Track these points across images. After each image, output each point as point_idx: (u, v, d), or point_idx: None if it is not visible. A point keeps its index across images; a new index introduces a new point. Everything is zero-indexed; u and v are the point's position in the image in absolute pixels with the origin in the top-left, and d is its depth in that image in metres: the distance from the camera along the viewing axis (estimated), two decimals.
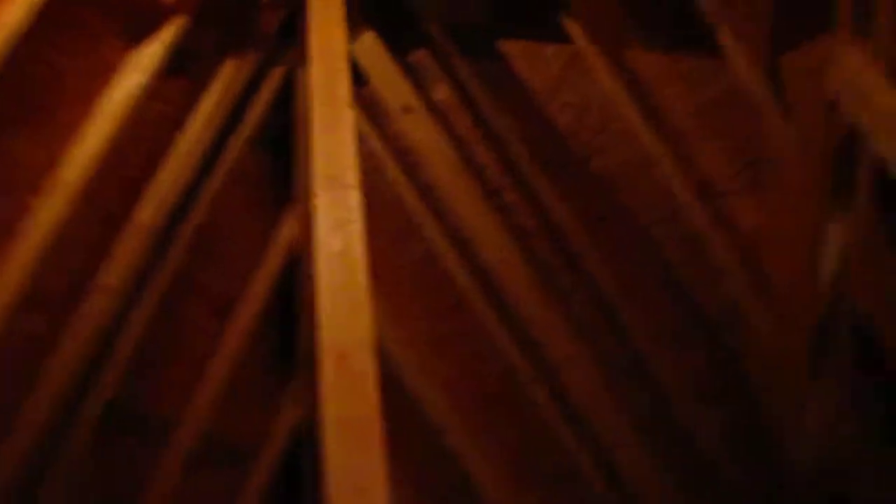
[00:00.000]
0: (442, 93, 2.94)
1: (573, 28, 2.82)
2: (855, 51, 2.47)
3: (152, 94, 2.47)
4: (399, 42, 2.84)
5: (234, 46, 2.69)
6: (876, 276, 2.56)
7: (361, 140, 2.27)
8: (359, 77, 2.53)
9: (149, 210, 2.51)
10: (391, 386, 2.06)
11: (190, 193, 2.62)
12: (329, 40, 2.22)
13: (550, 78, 2.94)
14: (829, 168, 2.60)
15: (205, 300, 2.82)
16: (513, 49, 2.93)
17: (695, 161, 2.87)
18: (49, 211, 2.30)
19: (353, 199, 1.80)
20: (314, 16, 2.28)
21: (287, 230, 2.91)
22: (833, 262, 2.62)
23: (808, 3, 2.62)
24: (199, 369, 2.74)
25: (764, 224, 2.81)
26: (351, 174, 1.85)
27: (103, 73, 2.42)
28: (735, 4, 2.64)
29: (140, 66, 2.38)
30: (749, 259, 2.81)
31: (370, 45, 2.73)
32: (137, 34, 2.42)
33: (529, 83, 2.94)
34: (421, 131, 2.78)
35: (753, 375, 2.89)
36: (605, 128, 2.93)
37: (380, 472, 1.36)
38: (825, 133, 2.59)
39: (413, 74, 2.88)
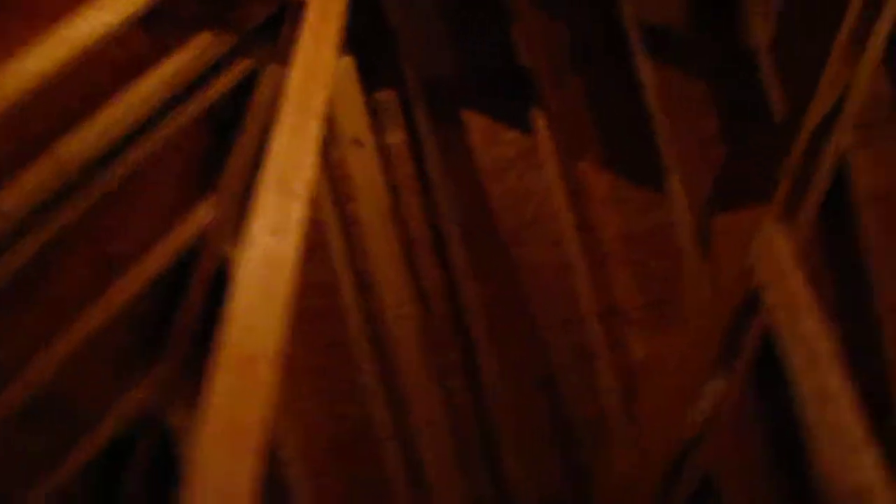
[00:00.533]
0: (396, 137, 2.96)
1: (538, 120, 2.89)
2: (780, 230, 2.64)
3: (117, 39, 2.40)
4: (373, 75, 2.86)
5: (212, 22, 2.65)
6: (732, 441, 2.70)
7: None
8: None
9: (70, 148, 2.43)
10: None
11: (118, 148, 2.54)
12: (318, 51, 2.22)
13: (501, 160, 2.99)
14: (727, 327, 2.72)
15: (96, 258, 2.73)
16: (475, 120, 2.97)
17: (609, 282, 2.95)
18: None
19: (298, 210, 1.79)
20: (309, 23, 2.27)
21: (202, 215, 2.86)
22: (701, 414, 2.73)
23: (754, 175, 2.76)
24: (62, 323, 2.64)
25: (653, 360, 2.88)
26: (303, 186, 1.85)
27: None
28: (690, 158, 2.75)
29: (115, 7, 2.32)
30: (630, 387, 2.88)
31: (344, 70, 2.74)
32: None
33: (480, 158, 2.97)
34: (363, 167, 2.79)
35: (599, 496, 2.94)
36: (536, 223, 2.98)
37: (251, 483, 1.34)
38: (733, 294, 2.71)
39: (375, 111, 2.90)
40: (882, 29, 2.77)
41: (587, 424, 2.99)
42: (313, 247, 2.87)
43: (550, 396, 3.01)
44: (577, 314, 2.96)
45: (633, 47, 2.87)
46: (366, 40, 2.67)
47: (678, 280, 2.97)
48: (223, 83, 2.70)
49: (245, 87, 2.79)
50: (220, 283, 2.99)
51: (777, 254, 2.66)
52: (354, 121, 2.79)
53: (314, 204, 2.73)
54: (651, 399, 2.88)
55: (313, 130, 2.01)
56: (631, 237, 2.98)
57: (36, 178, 2.37)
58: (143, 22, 2.44)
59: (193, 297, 2.98)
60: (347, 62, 2.74)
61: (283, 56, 2.82)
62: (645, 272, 2.99)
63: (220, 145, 2.93)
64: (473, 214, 2.96)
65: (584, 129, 2.98)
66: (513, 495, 2.96)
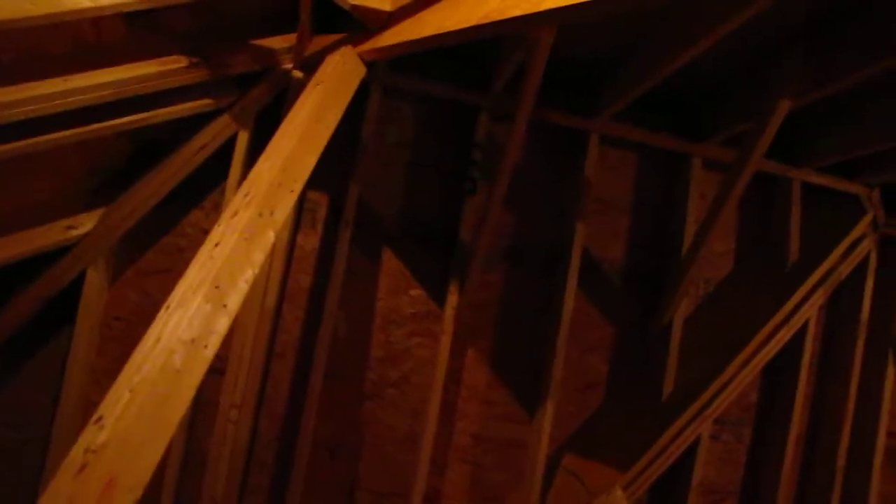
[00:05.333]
0: (308, 241, 2.84)
1: (452, 294, 2.86)
2: (622, 499, 2.67)
3: (96, 18, 2.22)
4: (316, 174, 2.76)
5: (193, 49, 2.52)
6: None
7: None
8: None
9: None
10: None
11: (35, 124, 2.31)
12: (300, 149, 2.07)
13: (398, 313, 2.92)
14: None
15: None
16: (391, 263, 2.90)
17: (445, 472, 2.90)
18: None
19: (224, 325, 1.57)
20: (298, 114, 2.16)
21: (79, 224, 2.63)
22: None
23: (618, 436, 2.81)
24: None
25: None
26: (236, 300, 1.63)
27: None
28: (569, 396, 2.76)
29: None
30: None
31: None
32: None
33: (380, 301, 2.89)
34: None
35: None
36: (402, 387, 2.89)
37: None
38: None
39: (300, 206, 2.81)
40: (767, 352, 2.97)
41: None
42: None
43: None
44: (404, 490, 2.83)
45: (570, 268, 2.93)
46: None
47: (513, 497, 2.93)
48: (172, 112, 2.54)
49: (189, 125, 2.66)
50: (61, 302, 2.73)
51: None
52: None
53: None
54: None
55: (266, 241, 1.76)
56: (478, 439, 2.93)
57: None
58: (129, 15, 2.29)
59: (27, 300, 2.68)
60: None
61: (243, 114, 2.72)
62: (480, 477, 2.93)
63: (133, 167, 2.73)
64: (346, 353, 2.84)
65: (488, 321, 2.96)
66: None
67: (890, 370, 3.24)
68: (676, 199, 3.11)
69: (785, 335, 3.08)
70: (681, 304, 3.01)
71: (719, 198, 2.74)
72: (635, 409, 2.97)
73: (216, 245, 1.68)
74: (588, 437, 2.98)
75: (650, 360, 3.04)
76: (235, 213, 1.77)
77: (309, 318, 2.81)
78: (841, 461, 3.17)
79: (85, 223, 2.69)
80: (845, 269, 3.18)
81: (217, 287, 1.59)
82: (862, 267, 3.22)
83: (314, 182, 2.79)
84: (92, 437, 1.28)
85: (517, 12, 1.85)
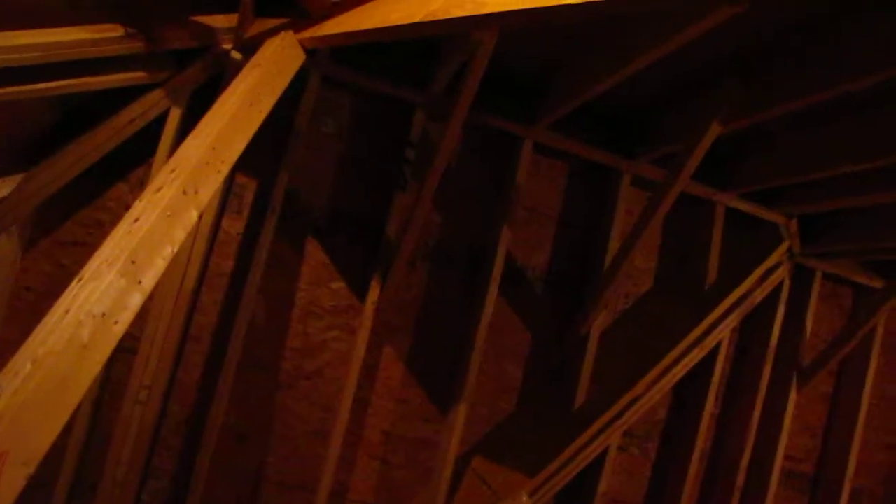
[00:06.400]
0: (233, 226, 2.80)
1: (374, 290, 2.86)
2: None
3: None
4: (245, 156, 2.73)
5: (132, 20, 2.45)
6: None
7: None
8: None
9: None
10: None
11: None
12: (231, 127, 2.03)
13: (307, 304, 2.90)
14: None
15: None
16: (315, 254, 2.88)
17: (352, 468, 2.90)
18: None
19: (136, 302, 1.52)
20: (236, 91, 2.12)
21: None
22: None
23: (527, 443, 2.84)
24: None
25: None
26: (151, 278, 1.58)
27: None
28: (484, 398, 2.78)
29: None
30: None
31: None
32: None
33: (300, 292, 2.87)
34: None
35: None
36: (316, 380, 2.89)
37: None
38: None
39: (228, 189, 2.77)
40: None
41: None
42: None
43: None
44: (311, 483, 2.81)
45: (493, 273, 2.95)
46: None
47: (419, 496, 2.94)
48: (103, 81, 2.47)
49: (120, 96, 2.59)
50: None
51: None
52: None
53: None
54: None
55: (188, 220, 1.72)
56: (389, 436, 2.94)
57: None
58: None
59: None
60: None
61: (177, 91, 2.67)
62: (388, 475, 2.93)
63: (58, 134, 2.66)
64: (262, 341, 2.81)
65: (408, 320, 2.96)
66: None
67: (792, 395, 3.35)
68: (604, 212, 3.16)
69: (698, 354, 3.15)
70: (599, 316, 3.05)
71: (645, 215, 2.79)
72: (547, 416, 3.00)
73: (136, 220, 1.64)
74: (498, 441, 3.01)
75: (565, 369, 3.09)
76: (159, 189, 1.73)
77: (227, 303, 2.77)
78: (740, 479, 3.27)
79: (3, 187, 2.60)
80: (759, 295, 3.28)
81: (133, 262, 1.55)
82: (775, 293, 3.33)
83: (243, 166, 2.76)
84: None
85: (461, 13, 1.85)
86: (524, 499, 2.73)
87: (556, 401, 3.04)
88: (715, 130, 2.55)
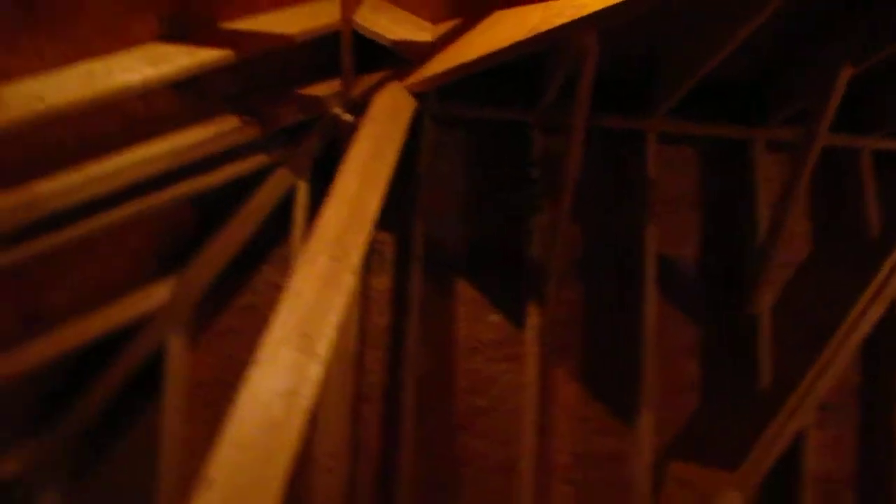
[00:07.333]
0: (381, 282, 2.84)
1: (531, 315, 2.83)
2: (737, 499, 2.58)
3: (144, 92, 2.23)
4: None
5: (243, 108, 2.52)
6: None
7: None
8: None
9: (50, 188, 2.20)
10: None
11: (98, 203, 2.33)
12: (362, 189, 2.06)
13: (478, 339, 2.89)
14: None
15: (27, 305, 2.45)
16: (466, 292, 2.88)
17: (550, 495, 2.86)
18: None
19: (316, 373, 1.55)
20: (358, 151, 2.15)
21: (154, 294, 2.65)
22: None
23: (722, 434, 2.74)
24: None
25: None
26: (326, 345, 1.61)
27: (120, 36, 2.18)
28: (666, 399, 2.72)
29: (157, 63, 2.17)
30: None
31: None
32: (177, 34, 2.23)
33: (458, 331, 2.86)
34: None
35: None
36: (491, 415, 2.86)
37: None
38: None
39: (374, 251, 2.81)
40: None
41: None
42: None
43: None
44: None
45: (646, 274, 2.87)
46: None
47: None
48: (229, 172, 2.56)
49: (248, 183, 2.67)
50: (149, 371, 2.76)
51: None
52: None
53: None
54: None
55: (346, 284, 1.74)
56: (577, 457, 2.87)
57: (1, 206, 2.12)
58: (176, 85, 2.30)
59: (112, 378, 2.71)
60: None
61: (299, 165, 2.73)
62: (585, 497, 2.86)
63: (198, 231, 2.76)
64: (432, 387, 2.81)
65: (570, 337, 2.91)
66: None
67: None
68: (743, 186, 3.03)
69: (878, 310, 2.96)
70: (765, 291, 2.92)
71: (790, 179, 2.66)
72: (734, 404, 2.88)
73: (297, 295, 1.68)
74: (690, 440, 2.90)
75: (742, 353, 2.95)
76: (311, 262, 1.77)
77: (391, 357, 2.80)
78: None
79: (159, 293, 2.71)
80: None
81: (305, 335, 1.59)
82: None
83: (378, 221, 2.78)
84: (205, 501, 1.28)
85: (563, 20, 1.83)
86: (733, 494, 2.61)
87: (739, 387, 2.91)
88: (847, 73, 2.42)
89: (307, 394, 1.49)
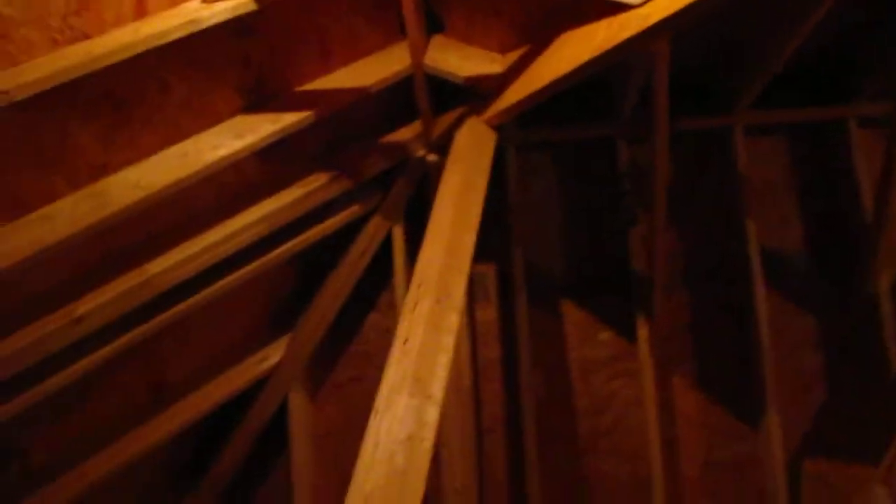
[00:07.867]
0: (487, 314, 2.86)
1: (641, 328, 2.79)
2: (884, 495, 2.48)
3: (234, 163, 2.32)
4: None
5: (329, 164, 2.59)
6: None
7: None
8: None
9: (162, 267, 2.31)
10: None
11: (207, 275, 2.42)
12: (456, 228, 2.10)
13: (591, 360, 2.88)
14: None
15: (151, 380, 2.57)
16: (572, 314, 2.87)
17: None
18: (68, 214, 2.08)
19: (433, 414, 1.59)
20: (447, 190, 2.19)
21: (269, 355, 2.74)
22: None
23: (859, 427, 2.66)
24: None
25: None
26: (439, 386, 1.64)
27: (206, 114, 2.28)
28: (791, 395, 2.68)
29: (243, 134, 2.26)
30: None
31: None
32: (257, 103, 2.32)
33: (570, 354, 2.85)
34: None
35: None
36: (614, 434, 2.84)
37: None
38: None
39: (470, 282, 2.82)
40: None
41: None
42: None
43: None
44: None
45: (753, 270, 2.80)
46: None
47: None
48: (325, 227, 2.63)
49: (345, 235, 2.74)
50: (273, 428, 2.84)
51: None
52: None
53: None
54: None
55: (451, 324, 1.76)
56: (714, 468, 2.80)
57: (119, 290, 2.23)
58: (262, 152, 2.38)
59: (240, 440, 2.80)
60: None
61: (392, 211, 2.78)
62: None
63: (303, 288, 2.84)
64: (552, 412, 2.80)
65: (683, 346, 2.87)
66: None
67: None
68: (841, 166, 2.93)
69: None
70: (882, 270, 2.80)
71: (889, 151, 2.57)
72: (864, 393, 2.76)
73: (405, 341, 1.71)
74: (822, 436, 2.79)
75: (866, 339, 2.83)
76: (415, 306, 1.80)
77: (507, 387, 2.81)
78: None
79: (275, 352, 2.80)
80: None
81: (418, 380, 1.62)
82: None
83: (477, 255, 2.80)
84: None
85: (630, 33, 1.82)
86: (878, 490, 2.50)
87: (867, 374, 2.79)
88: None
89: (427, 436, 1.51)
